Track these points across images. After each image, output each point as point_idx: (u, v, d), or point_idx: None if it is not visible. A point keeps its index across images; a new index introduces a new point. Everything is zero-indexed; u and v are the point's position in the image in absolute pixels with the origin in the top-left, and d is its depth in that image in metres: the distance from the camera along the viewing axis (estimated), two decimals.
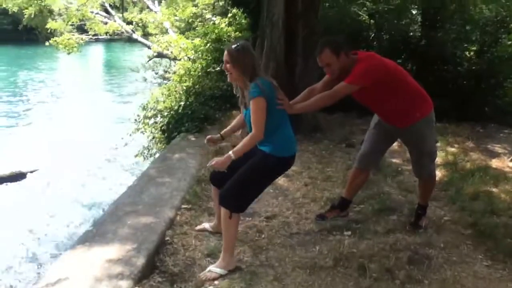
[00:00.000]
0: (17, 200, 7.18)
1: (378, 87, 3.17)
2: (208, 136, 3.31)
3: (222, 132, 3.31)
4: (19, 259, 5.42)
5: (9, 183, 7.83)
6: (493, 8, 8.36)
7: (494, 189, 4.49)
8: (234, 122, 3.33)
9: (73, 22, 17.19)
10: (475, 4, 8.54)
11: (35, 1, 15.63)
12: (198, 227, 3.50)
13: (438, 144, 5.60)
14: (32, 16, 15.92)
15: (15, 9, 16.02)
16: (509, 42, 8.03)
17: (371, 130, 3.65)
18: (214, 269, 2.88)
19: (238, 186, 2.87)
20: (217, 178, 3.14)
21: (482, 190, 4.39)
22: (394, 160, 5.26)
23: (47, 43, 16.61)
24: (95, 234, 3.21)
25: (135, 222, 3.41)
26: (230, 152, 2.82)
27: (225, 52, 2.93)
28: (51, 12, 18.97)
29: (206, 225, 3.49)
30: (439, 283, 2.85)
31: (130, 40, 21.08)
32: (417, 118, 3.33)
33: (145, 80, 15.45)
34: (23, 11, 16.27)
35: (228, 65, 2.91)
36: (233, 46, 2.91)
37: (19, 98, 15.85)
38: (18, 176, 7.97)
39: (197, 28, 11.67)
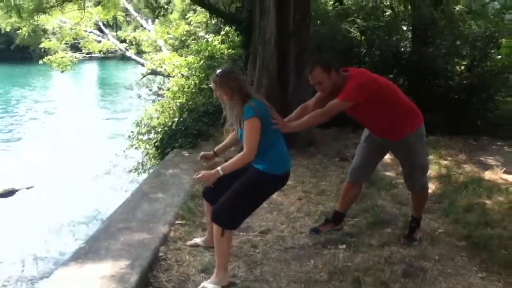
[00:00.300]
0: (9, 218, 7.12)
1: (370, 102, 3.20)
2: (202, 153, 3.32)
3: (216, 149, 3.33)
4: (11, 277, 5.34)
5: (2, 200, 7.78)
6: (482, 24, 8.50)
7: (488, 201, 4.50)
8: (227, 139, 3.33)
9: (67, 41, 17.26)
10: (464, 20, 8.67)
11: (29, 21, 15.68)
12: (189, 243, 3.49)
13: (431, 157, 5.64)
14: (25, 36, 15.94)
15: (8, 28, 16.05)
16: (499, 57, 8.14)
17: (362, 144, 3.67)
18: (208, 285, 2.85)
19: (231, 203, 2.86)
20: (210, 194, 3.14)
21: (475, 202, 4.40)
22: (387, 173, 5.28)
23: (40, 62, 16.65)
24: (88, 251, 3.19)
25: (129, 238, 3.39)
26: (219, 168, 2.82)
27: (211, 80, 3.00)
28: (44, 31, 19.05)
29: (198, 240, 3.47)
30: None
31: (124, 58, 21.21)
32: (407, 132, 3.36)
33: (139, 97, 15.49)
34: (17, 31, 16.32)
35: (217, 93, 2.98)
36: (216, 73, 2.97)
37: (13, 116, 15.84)
38: (10, 193, 7.92)
39: (190, 46, 11.78)
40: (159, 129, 7.38)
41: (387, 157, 5.04)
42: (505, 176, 5.48)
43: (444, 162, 5.87)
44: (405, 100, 3.42)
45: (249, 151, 2.81)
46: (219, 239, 2.86)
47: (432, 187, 4.77)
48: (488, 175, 5.47)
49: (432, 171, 5.32)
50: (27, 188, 8.31)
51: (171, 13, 14.53)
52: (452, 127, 7.64)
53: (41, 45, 17.22)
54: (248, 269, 3.14)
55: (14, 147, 11.95)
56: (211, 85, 3.00)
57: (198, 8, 12.57)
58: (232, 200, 2.86)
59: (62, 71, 16.59)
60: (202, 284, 2.87)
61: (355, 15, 8.93)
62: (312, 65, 3.25)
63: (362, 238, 3.62)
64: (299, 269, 3.15)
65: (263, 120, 2.84)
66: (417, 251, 3.40)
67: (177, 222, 3.82)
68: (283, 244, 3.55)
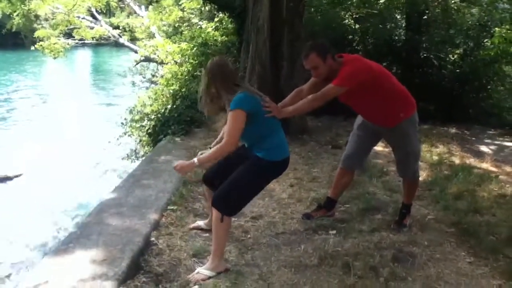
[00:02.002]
0: (1, 204, 7.10)
1: (364, 89, 3.21)
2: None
3: (212, 145, 3.31)
4: (2, 263, 5.35)
5: None
6: (476, 12, 8.50)
7: (478, 189, 4.55)
8: (221, 134, 3.34)
9: (61, 30, 17.06)
10: (458, 9, 8.67)
11: (20, 7, 15.49)
12: (192, 225, 3.51)
13: (423, 145, 5.68)
14: (19, 22, 15.75)
15: None
16: (492, 46, 8.15)
17: (354, 131, 3.69)
18: (203, 270, 2.87)
19: (232, 189, 2.87)
20: (211, 179, 3.17)
21: (465, 190, 4.45)
22: (379, 161, 5.31)
23: (32, 48, 16.49)
24: (80, 236, 3.19)
25: (120, 224, 3.39)
26: (195, 158, 2.82)
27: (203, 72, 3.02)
28: (36, 17, 18.84)
29: (201, 223, 3.50)
30: (423, 280, 2.88)
31: (117, 45, 21.04)
32: (400, 118, 3.37)
33: (133, 84, 15.40)
34: (10, 15, 16.11)
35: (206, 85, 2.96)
36: (207, 65, 2.97)
37: (4, 103, 15.69)
38: (3, 180, 7.89)
39: (184, 33, 11.71)
40: (152, 116, 7.34)
41: (379, 144, 5.08)
42: (496, 164, 5.53)
43: (436, 150, 5.91)
44: (399, 86, 3.43)
45: (227, 142, 2.81)
46: (218, 224, 2.87)
47: (423, 174, 4.81)
48: (479, 163, 5.52)
49: (424, 159, 5.36)
50: (16, 176, 8.27)
51: None
52: (445, 116, 7.71)
53: (36, 34, 17.00)
54: (239, 254, 3.16)
55: (5, 134, 11.87)
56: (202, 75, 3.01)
57: None
58: (232, 187, 2.87)
59: (55, 58, 16.43)
60: (197, 270, 2.89)
61: (349, 2, 8.90)
62: (308, 50, 3.25)
63: (353, 224, 3.65)
64: (289, 254, 3.18)
65: (252, 111, 2.84)
66: (407, 237, 3.43)
67: (169, 207, 3.82)
68: (274, 229, 3.57)
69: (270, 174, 3.05)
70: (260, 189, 3.11)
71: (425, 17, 8.55)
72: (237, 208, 2.97)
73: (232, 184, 2.88)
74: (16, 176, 8.13)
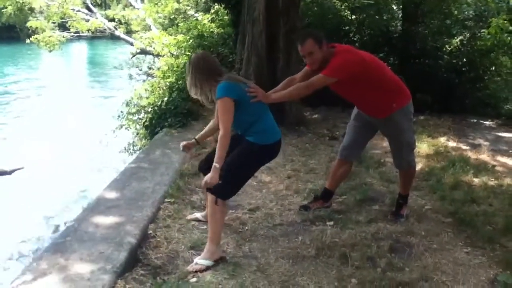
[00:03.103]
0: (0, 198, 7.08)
1: (355, 80, 3.21)
2: (183, 143, 3.36)
3: (197, 136, 3.39)
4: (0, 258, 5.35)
5: None
6: (472, 2, 8.47)
7: (474, 179, 4.56)
8: (208, 126, 3.39)
9: (54, 21, 16.95)
10: None
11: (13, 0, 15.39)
12: (190, 217, 3.53)
13: (420, 136, 5.69)
14: (12, 14, 15.65)
15: None
16: (488, 36, 8.13)
17: (351, 122, 3.69)
18: (200, 261, 2.88)
19: (225, 172, 2.88)
20: (206, 166, 3.16)
21: (462, 180, 4.46)
22: (376, 152, 5.31)
23: (27, 41, 16.38)
24: (77, 229, 3.19)
25: (117, 217, 3.39)
26: (214, 163, 2.82)
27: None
28: (31, 10, 18.70)
29: (198, 215, 3.53)
30: (420, 270, 2.89)
31: (113, 37, 20.86)
32: (394, 109, 3.37)
33: (130, 77, 15.33)
34: (2, 9, 16.01)
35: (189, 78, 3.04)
36: (188, 61, 3.07)
37: (1, 97, 15.61)
38: (1, 174, 7.85)
39: (179, 25, 11.64)
40: (149, 109, 7.31)
41: (376, 136, 5.08)
42: (492, 154, 5.54)
43: (433, 141, 5.91)
44: (392, 77, 3.43)
45: (224, 132, 2.84)
46: (213, 207, 2.90)
47: (420, 165, 4.82)
48: (475, 153, 5.52)
49: (420, 149, 5.36)
50: (17, 170, 8.23)
51: None
52: (441, 106, 7.71)
53: (28, 24, 16.90)
54: (237, 246, 3.17)
55: (2, 127, 11.82)
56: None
57: None
58: (226, 170, 2.89)
59: (50, 51, 16.32)
60: (195, 261, 2.89)
61: None
62: (304, 37, 3.26)
63: (350, 215, 3.66)
64: (287, 245, 3.19)
65: (238, 98, 2.89)
66: (404, 227, 3.45)
67: (166, 200, 3.83)
68: (272, 221, 3.57)
69: (262, 157, 3.11)
70: (252, 173, 3.19)
71: (422, 7, 8.52)
72: (231, 191, 3.02)
73: (225, 168, 2.89)
74: (15, 170, 8.08)
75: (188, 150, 3.42)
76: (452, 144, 5.92)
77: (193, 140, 3.37)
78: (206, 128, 3.39)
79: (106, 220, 3.34)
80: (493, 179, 4.61)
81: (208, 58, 3.09)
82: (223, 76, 2.98)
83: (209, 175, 2.84)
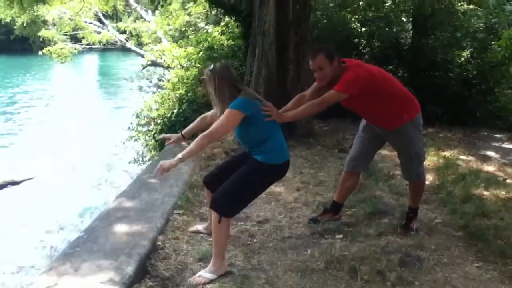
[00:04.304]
0: (10, 208, 7.15)
1: (365, 94, 3.21)
2: (162, 136, 3.32)
3: (184, 131, 3.33)
4: (9, 267, 5.38)
5: (2, 191, 7.80)
6: (482, 15, 8.46)
7: (485, 192, 4.52)
8: (196, 121, 3.34)
9: (66, 32, 17.22)
10: (464, 11, 8.63)
11: (28, 11, 15.62)
12: (191, 229, 3.53)
13: (430, 149, 5.66)
14: (24, 25, 15.93)
15: (8, 19, 16.04)
16: (499, 49, 8.11)
17: (359, 133, 3.68)
18: (204, 274, 2.87)
19: (230, 191, 2.88)
20: (211, 182, 3.19)
21: (473, 193, 4.42)
22: (385, 165, 5.29)
23: (40, 53, 16.62)
24: (86, 240, 3.20)
25: (127, 228, 3.40)
26: (179, 154, 2.78)
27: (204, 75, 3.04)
28: (44, 22, 19.00)
29: (199, 227, 3.52)
30: (430, 285, 2.86)
31: (124, 49, 21.15)
32: (404, 121, 3.36)
33: (140, 89, 15.48)
34: (16, 22, 16.31)
35: (206, 88, 3.02)
36: (209, 68, 2.99)
37: (13, 106, 15.81)
38: (10, 184, 7.93)
39: (190, 37, 11.75)
40: (159, 121, 7.39)
41: (386, 148, 5.06)
42: (503, 168, 5.49)
43: (443, 154, 5.87)
44: (402, 89, 3.43)
45: (210, 133, 2.80)
46: (216, 226, 2.88)
47: (430, 178, 4.79)
48: (486, 166, 5.48)
49: (430, 162, 5.33)
50: (28, 179, 8.32)
51: (170, 3, 14.46)
52: (451, 119, 7.67)
53: (39, 34, 17.18)
54: (245, 258, 3.16)
55: (14, 138, 11.96)
56: (203, 77, 3.04)
57: None
58: (231, 188, 2.88)
59: (62, 62, 16.58)
60: (198, 273, 2.89)
61: (355, 5, 8.89)
62: (316, 51, 3.26)
63: (359, 228, 3.63)
64: (296, 258, 3.17)
65: (250, 115, 2.86)
66: (414, 241, 3.41)
67: (175, 212, 3.83)
68: (281, 233, 3.56)
69: (269, 177, 3.07)
70: (259, 193, 3.12)
71: (432, 19, 8.52)
72: (234, 209, 2.96)
73: (231, 186, 2.89)
74: (26, 180, 8.17)
75: (172, 143, 3.36)
76: (462, 156, 5.88)
77: (180, 135, 3.31)
78: (194, 123, 3.33)
79: (115, 231, 3.34)
80: (504, 192, 4.57)
81: (230, 68, 3.06)
82: (241, 89, 2.96)
83: (166, 161, 2.78)
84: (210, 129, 2.83)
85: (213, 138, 2.86)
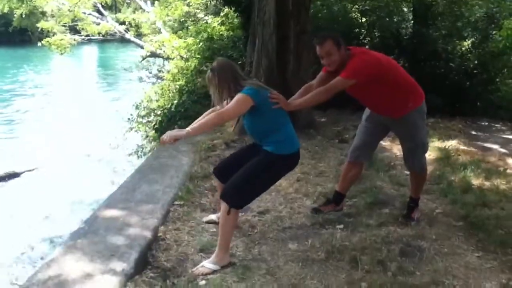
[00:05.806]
0: (11, 199, 7.16)
1: (371, 81, 3.19)
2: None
3: (190, 127, 3.30)
4: (11, 258, 5.39)
5: (4, 183, 7.81)
6: (484, 4, 8.41)
7: (486, 182, 4.51)
8: (200, 118, 3.28)
9: (65, 23, 17.13)
10: (465, 1, 8.58)
11: (26, 2, 15.58)
12: (206, 219, 3.54)
13: (431, 139, 5.64)
14: (23, 16, 15.88)
15: (6, 10, 15.98)
16: (500, 38, 8.07)
17: (362, 123, 3.66)
18: (207, 264, 2.89)
19: (241, 182, 2.89)
20: (221, 172, 3.21)
21: (473, 183, 4.42)
22: (386, 155, 5.28)
23: (39, 44, 16.57)
24: (87, 231, 3.21)
25: (128, 219, 3.40)
26: (188, 128, 2.83)
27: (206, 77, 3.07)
28: (43, 13, 18.91)
29: (213, 217, 3.52)
30: (431, 274, 2.86)
31: (123, 41, 21.02)
32: (409, 108, 3.34)
33: (140, 80, 15.43)
34: (15, 13, 16.25)
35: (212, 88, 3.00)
36: (210, 68, 3.00)
37: (13, 98, 15.78)
38: (12, 176, 7.95)
39: (189, 28, 11.69)
40: (159, 112, 7.38)
41: (387, 139, 5.05)
42: (504, 158, 5.49)
43: (444, 144, 5.86)
44: (407, 77, 3.41)
45: (221, 114, 2.84)
46: (225, 217, 2.89)
47: (431, 168, 4.77)
48: (487, 157, 5.47)
49: (431, 152, 5.32)
50: (29, 171, 8.33)
51: None
52: (452, 109, 7.65)
53: (38, 25, 17.11)
54: (246, 249, 3.16)
55: (15, 129, 11.95)
56: (206, 77, 3.04)
57: None
58: (241, 180, 2.89)
59: (61, 54, 16.51)
60: (202, 263, 2.90)
61: None
62: (324, 38, 3.23)
63: (360, 218, 3.63)
64: (296, 248, 3.17)
65: (259, 103, 2.87)
66: (415, 231, 3.41)
67: (176, 203, 3.84)
68: (281, 224, 3.56)
69: (280, 168, 3.07)
70: (270, 184, 3.13)
71: (432, 9, 8.47)
72: (244, 201, 2.99)
73: (241, 177, 2.90)
74: (26, 172, 8.17)
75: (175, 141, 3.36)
76: (463, 147, 5.87)
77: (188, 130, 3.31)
78: (202, 118, 3.24)
79: (116, 222, 3.35)
80: (504, 183, 4.56)
81: (232, 63, 3.09)
82: (246, 80, 2.97)
83: (173, 131, 2.83)
84: (222, 109, 2.87)
85: (223, 119, 2.90)
